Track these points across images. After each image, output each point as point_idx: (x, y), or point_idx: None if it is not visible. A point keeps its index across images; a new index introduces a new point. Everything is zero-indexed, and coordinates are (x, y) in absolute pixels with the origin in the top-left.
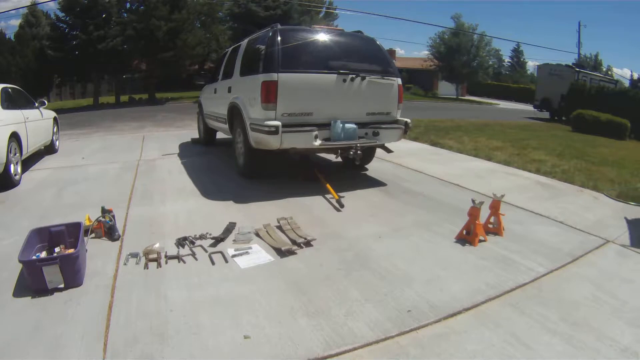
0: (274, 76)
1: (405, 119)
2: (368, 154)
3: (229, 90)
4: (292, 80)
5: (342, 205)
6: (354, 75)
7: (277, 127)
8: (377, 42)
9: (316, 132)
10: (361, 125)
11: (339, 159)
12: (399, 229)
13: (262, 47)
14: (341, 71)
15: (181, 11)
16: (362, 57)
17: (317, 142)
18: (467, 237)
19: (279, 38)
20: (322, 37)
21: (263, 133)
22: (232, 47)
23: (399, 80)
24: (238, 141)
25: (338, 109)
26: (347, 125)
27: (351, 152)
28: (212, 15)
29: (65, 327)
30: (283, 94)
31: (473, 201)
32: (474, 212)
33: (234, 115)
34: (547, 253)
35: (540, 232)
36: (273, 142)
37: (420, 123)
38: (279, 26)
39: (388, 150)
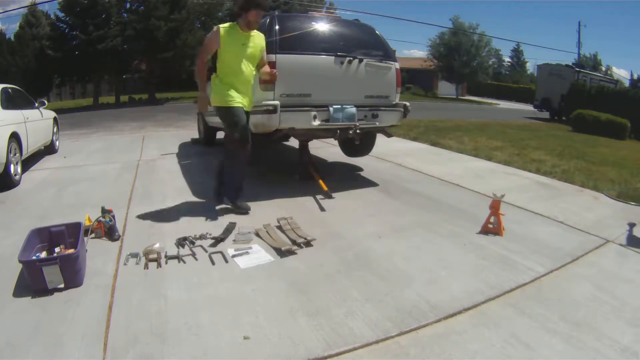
0: (272, 57)
1: (405, 102)
2: (368, 142)
3: None
4: (290, 60)
5: (331, 197)
6: (351, 58)
7: (275, 106)
8: (375, 29)
9: (315, 113)
10: (360, 107)
11: (336, 160)
12: (399, 229)
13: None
14: (339, 53)
15: (181, 11)
16: (359, 41)
17: (316, 123)
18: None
19: (277, 22)
20: (320, 21)
21: (261, 113)
22: None
23: (397, 65)
24: None
25: (336, 90)
26: (346, 107)
27: (350, 132)
28: (212, 15)
29: (65, 327)
30: (281, 74)
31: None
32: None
33: None
34: (547, 253)
35: (540, 232)
36: (272, 122)
37: (420, 123)
38: (277, 13)
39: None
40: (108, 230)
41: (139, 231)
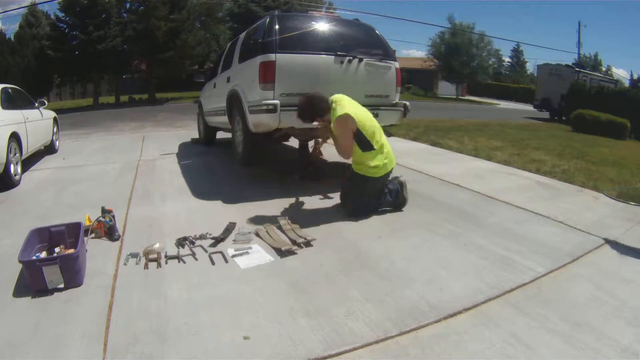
0: (272, 56)
1: (404, 102)
2: None
3: (228, 80)
4: (290, 60)
5: (331, 197)
6: (351, 57)
7: (275, 105)
8: (374, 29)
9: None
10: None
11: (336, 160)
12: (399, 228)
13: (260, 33)
14: (338, 53)
15: (181, 11)
16: (359, 41)
17: (316, 122)
18: None
19: (277, 22)
20: (320, 21)
21: (262, 113)
22: (231, 41)
23: (397, 64)
24: (237, 129)
25: (336, 90)
26: None
27: None
28: (212, 15)
29: (65, 327)
30: (281, 74)
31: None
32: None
33: (233, 102)
34: (547, 253)
35: (540, 232)
36: (271, 122)
37: (420, 123)
38: (277, 13)
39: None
40: (108, 230)
41: (139, 231)
